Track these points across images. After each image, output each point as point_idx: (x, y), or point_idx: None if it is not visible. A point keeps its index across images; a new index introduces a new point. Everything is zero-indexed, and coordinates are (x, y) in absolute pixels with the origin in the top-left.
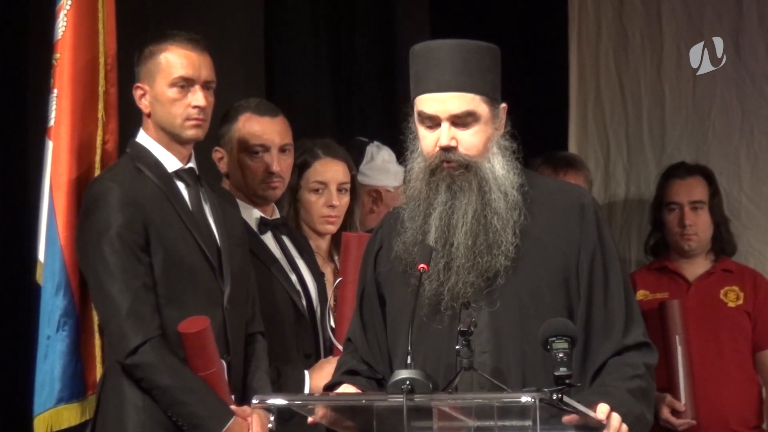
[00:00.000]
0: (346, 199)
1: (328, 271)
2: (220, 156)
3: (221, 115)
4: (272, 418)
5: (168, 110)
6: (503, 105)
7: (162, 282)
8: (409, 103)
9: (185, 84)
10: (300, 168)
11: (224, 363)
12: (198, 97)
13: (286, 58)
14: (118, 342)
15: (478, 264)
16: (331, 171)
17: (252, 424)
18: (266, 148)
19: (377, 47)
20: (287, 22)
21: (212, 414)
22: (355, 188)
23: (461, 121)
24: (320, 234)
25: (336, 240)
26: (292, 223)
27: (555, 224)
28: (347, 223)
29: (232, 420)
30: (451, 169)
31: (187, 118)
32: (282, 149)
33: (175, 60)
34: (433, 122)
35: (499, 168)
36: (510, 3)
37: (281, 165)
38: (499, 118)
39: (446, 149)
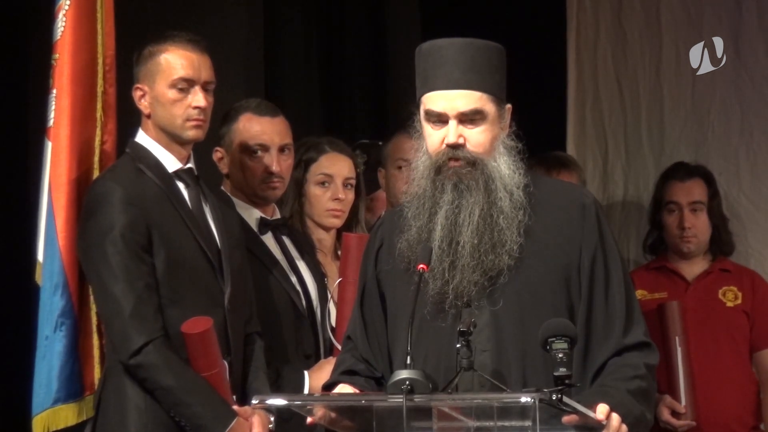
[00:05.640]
0: (351, 195)
1: (332, 269)
2: (220, 156)
3: (221, 115)
4: (272, 419)
5: (169, 111)
6: (508, 106)
7: (164, 282)
8: (414, 103)
9: (186, 85)
10: (306, 163)
11: (226, 364)
12: (198, 98)
13: (277, 59)
14: (121, 342)
15: (483, 263)
16: (337, 165)
17: (253, 424)
18: (266, 148)
19: (368, 49)
20: (279, 24)
21: (215, 415)
22: (360, 186)
23: (469, 118)
24: (325, 228)
25: (339, 239)
26: (296, 218)
27: (557, 224)
28: (351, 222)
29: (234, 421)
30: (458, 167)
31: (188, 119)
32: (282, 149)
33: (176, 61)
34: (441, 120)
35: (505, 168)
36: (507, 3)
37: (281, 165)
38: (505, 119)
39: (454, 146)
